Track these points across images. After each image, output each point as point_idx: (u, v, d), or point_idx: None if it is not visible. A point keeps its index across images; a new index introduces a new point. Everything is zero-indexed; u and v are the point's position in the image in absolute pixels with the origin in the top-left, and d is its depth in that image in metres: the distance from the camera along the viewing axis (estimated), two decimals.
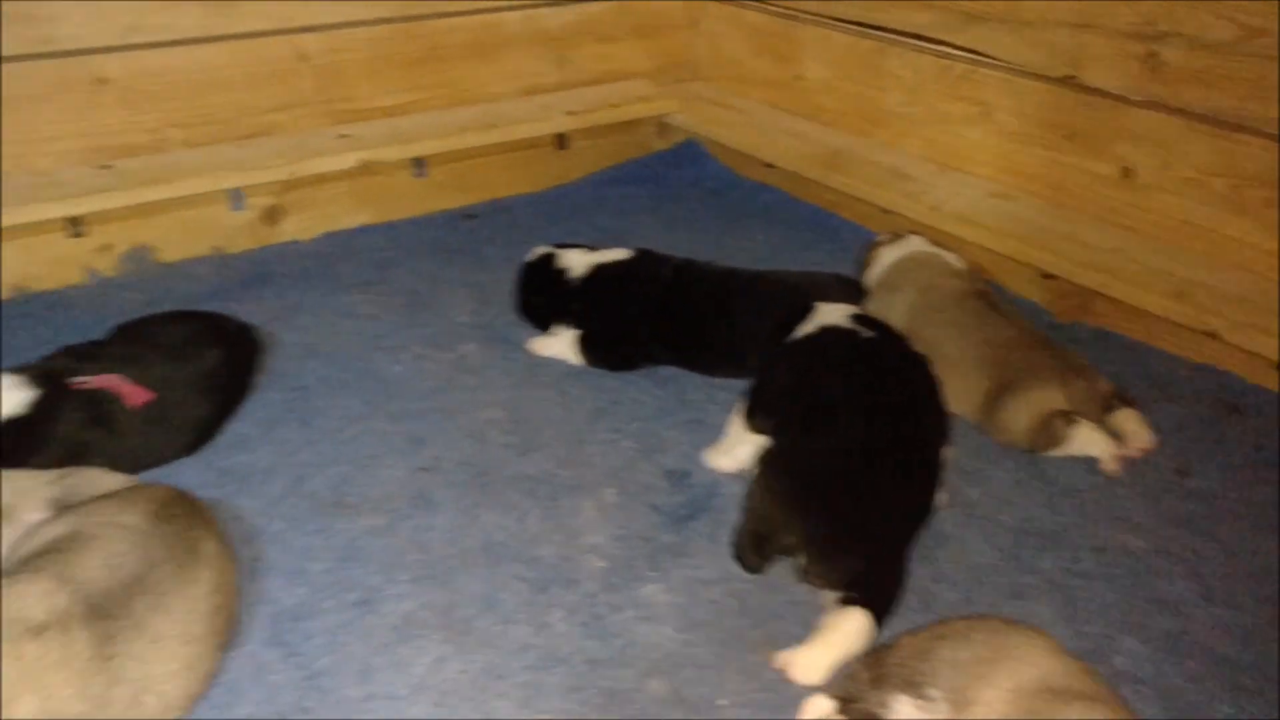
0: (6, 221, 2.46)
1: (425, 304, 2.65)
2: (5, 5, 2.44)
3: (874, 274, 2.45)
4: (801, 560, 1.72)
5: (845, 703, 1.48)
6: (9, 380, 1.90)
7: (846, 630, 1.61)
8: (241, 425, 2.16)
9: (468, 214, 3.14)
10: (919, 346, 2.02)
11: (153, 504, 1.63)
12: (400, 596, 1.75)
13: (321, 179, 2.89)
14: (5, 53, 2.48)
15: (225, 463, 2.05)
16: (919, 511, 1.80)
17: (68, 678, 1.37)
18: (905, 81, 3.01)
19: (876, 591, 1.67)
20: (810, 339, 2.01)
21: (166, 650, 1.48)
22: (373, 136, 2.92)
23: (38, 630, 1.37)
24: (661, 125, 3.46)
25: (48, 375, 1.93)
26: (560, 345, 2.41)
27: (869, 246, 2.54)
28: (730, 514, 1.92)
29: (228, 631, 1.62)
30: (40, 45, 2.53)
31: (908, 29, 2.97)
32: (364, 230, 3.02)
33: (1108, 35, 2.53)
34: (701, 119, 3.38)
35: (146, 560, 1.52)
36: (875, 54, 3.06)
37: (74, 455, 1.87)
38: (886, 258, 2.45)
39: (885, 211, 2.89)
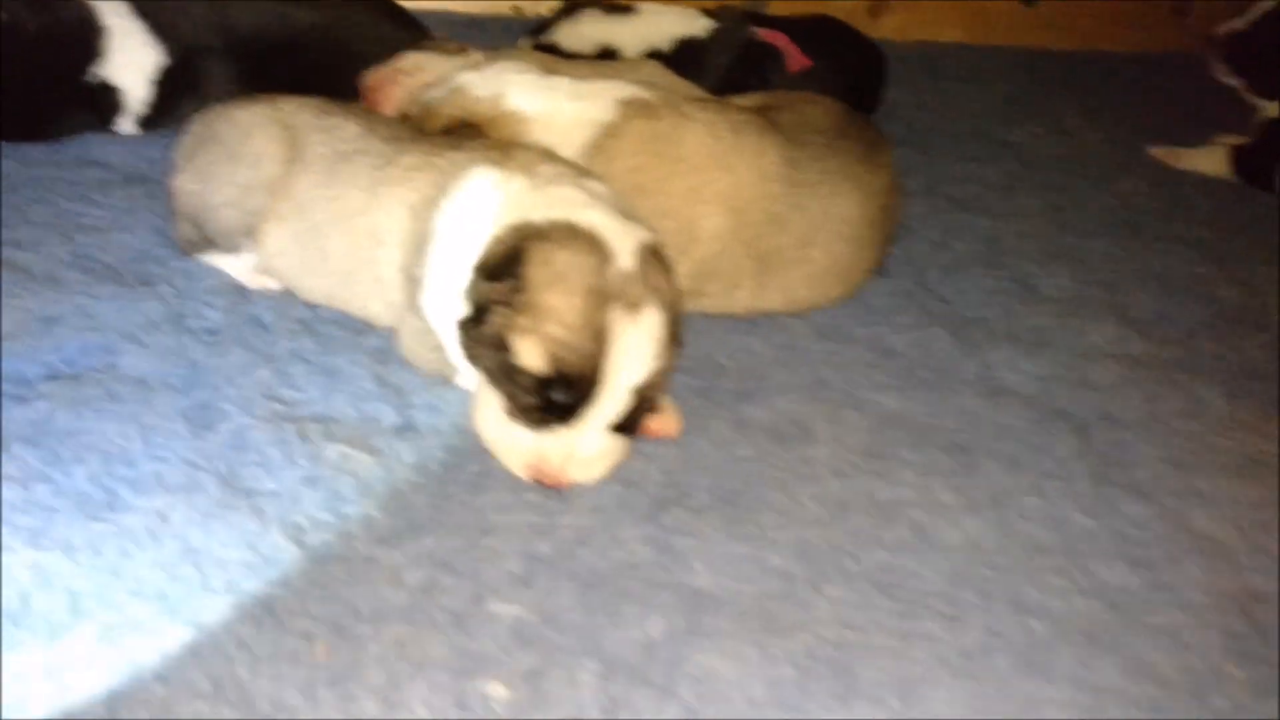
0: None
1: (1031, 114, 2.45)
2: None
3: None
4: None
5: None
6: (690, 11, 1.92)
7: None
8: None
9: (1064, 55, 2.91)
10: None
11: (841, 107, 1.57)
12: (1053, 285, 1.59)
13: None
14: None
15: None
16: None
17: (754, 179, 1.37)
18: None
19: None
20: None
21: (842, 211, 1.41)
22: None
23: (735, 126, 1.39)
24: None
25: (727, 16, 1.93)
26: (1202, 158, 2.15)
27: None
28: None
29: (887, 240, 1.53)
30: None
31: None
32: (958, 47, 2.86)
33: None
34: None
35: (838, 131, 1.48)
36: None
37: (727, 91, 1.84)
38: None
39: None
